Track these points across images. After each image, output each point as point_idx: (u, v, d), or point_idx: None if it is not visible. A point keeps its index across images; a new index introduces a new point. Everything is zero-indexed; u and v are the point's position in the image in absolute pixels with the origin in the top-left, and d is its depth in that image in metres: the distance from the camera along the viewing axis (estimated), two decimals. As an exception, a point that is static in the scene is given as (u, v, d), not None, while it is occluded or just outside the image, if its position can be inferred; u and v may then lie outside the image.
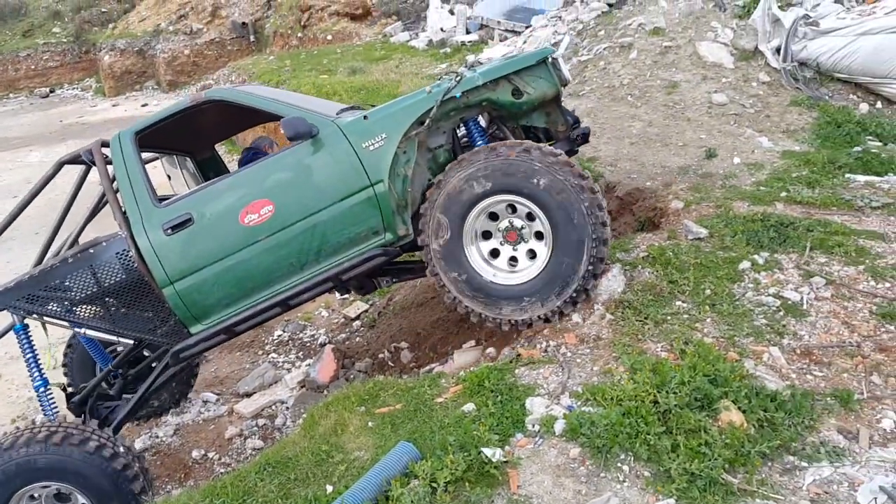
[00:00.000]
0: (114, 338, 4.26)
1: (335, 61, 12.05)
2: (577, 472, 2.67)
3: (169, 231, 3.86)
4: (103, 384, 4.70)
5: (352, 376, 5.78)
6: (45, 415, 4.22)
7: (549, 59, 3.89)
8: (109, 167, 4.16)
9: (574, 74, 7.17)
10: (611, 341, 3.35)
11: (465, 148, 4.23)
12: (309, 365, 6.11)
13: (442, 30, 12.49)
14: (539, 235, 3.69)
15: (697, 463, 2.54)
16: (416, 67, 10.40)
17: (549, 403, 3.05)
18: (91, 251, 3.99)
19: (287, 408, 5.55)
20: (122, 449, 3.83)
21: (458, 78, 3.79)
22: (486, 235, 3.82)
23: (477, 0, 12.46)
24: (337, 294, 7.43)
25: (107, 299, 4.06)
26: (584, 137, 4.37)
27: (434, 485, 2.63)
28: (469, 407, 3.12)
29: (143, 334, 4.16)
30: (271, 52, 18.91)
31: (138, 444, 5.37)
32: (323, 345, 6.42)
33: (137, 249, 3.86)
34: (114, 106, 22.03)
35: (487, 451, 2.77)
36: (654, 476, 2.59)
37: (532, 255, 3.73)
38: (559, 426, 2.87)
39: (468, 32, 11.98)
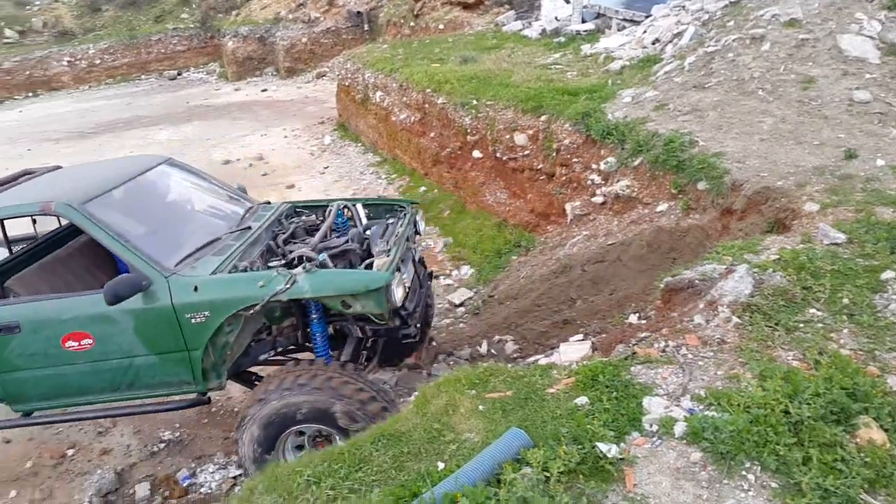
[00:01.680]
0: None
1: (447, 50, 12.12)
2: (697, 476, 2.57)
3: None
4: None
5: (452, 362, 5.84)
6: None
7: (382, 288, 3.86)
8: None
9: (699, 66, 6.88)
10: (737, 346, 3.19)
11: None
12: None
13: (556, 19, 12.29)
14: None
15: (832, 479, 2.38)
16: (529, 57, 10.29)
17: (669, 404, 2.95)
18: None
19: (392, 385, 5.67)
20: None
21: (290, 283, 3.77)
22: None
23: (595, -10, 12.17)
24: (441, 279, 7.54)
25: None
26: (411, 336, 4.41)
27: (547, 473, 2.61)
28: (582, 400, 3.06)
29: None
30: (384, 40, 19.26)
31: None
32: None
33: None
34: (235, 90, 23.16)
35: (602, 447, 2.72)
36: (782, 488, 2.45)
37: None
38: (679, 428, 2.77)
39: (584, 21, 11.73)
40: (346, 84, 13.91)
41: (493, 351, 5.70)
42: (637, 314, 4.47)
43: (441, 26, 17.47)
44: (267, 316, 4.16)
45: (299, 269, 3.93)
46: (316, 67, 22.97)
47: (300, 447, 4.05)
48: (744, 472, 2.53)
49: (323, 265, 4.10)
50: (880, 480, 2.40)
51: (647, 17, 9.86)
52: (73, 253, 4.97)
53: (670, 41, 8.29)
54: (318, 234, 4.49)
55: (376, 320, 4.14)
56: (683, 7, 8.98)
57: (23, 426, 4.81)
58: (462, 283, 7.33)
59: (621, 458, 2.69)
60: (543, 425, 2.96)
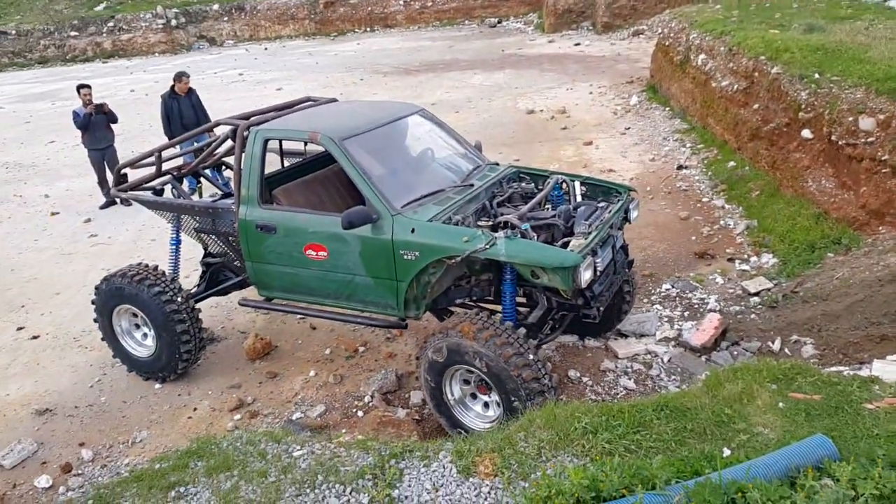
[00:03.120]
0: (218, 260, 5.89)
1: (789, 16, 10.95)
2: None
3: (259, 229, 4.93)
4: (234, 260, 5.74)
5: (736, 353, 5.49)
6: (168, 266, 5.84)
7: (570, 268, 4.03)
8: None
9: None
10: None
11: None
12: (688, 326, 5.97)
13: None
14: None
15: None
16: (893, 32, 8.85)
17: None
18: (219, 209, 5.32)
19: (663, 361, 5.53)
20: (177, 298, 5.36)
21: (489, 244, 4.12)
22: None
23: None
24: (736, 263, 7.06)
25: (217, 237, 5.52)
26: (591, 317, 4.61)
27: (853, 492, 2.39)
28: (909, 426, 2.72)
29: (234, 268, 5.69)
30: (717, 0, 17.96)
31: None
32: (712, 311, 6.19)
33: (237, 228, 5.04)
34: (549, 42, 23.58)
35: (931, 483, 2.40)
36: None
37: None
38: None
39: (977, -7, 9.70)
40: (666, 44, 13.35)
41: (786, 351, 5.25)
42: None
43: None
44: (467, 266, 4.55)
45: (501, 233, 4.25)
46: (634, 24, 22.33)
47: (467, 382, 4.49)
48: None
49: (524, 234, 4.37)
50: None
51: None
52: (330, 176, 5.69)
53: None
54: (530, 204, 4.71)
55: (562, 294, 4.40)
56: None
57: (263, 308, 5.75)
58: (761, 271, 6.78)
59: (953, 503, 2.36)
60: (855, 441, 2.73)
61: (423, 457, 3.13)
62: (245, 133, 5.09)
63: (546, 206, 5.02)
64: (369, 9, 31.67)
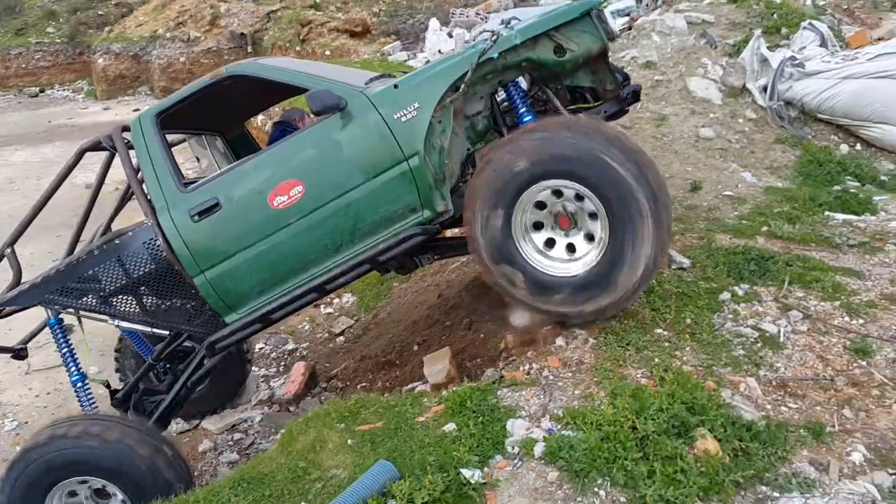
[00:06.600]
0: (148, 329, 4.21)
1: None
2: (554, 495, 2.70)
3: (196, 217, 3.70)
4: (153, 379, 4.72)
5: (324, 397, 5.74)
6: (83, 409, 4.10)
7: (594, 12, 3.62)
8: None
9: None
10: (593, 366, 3.39)
11: (506, 114, 4.03)
12: (280, 382, 6.08)
13: (440, 52, 12.62)
14: (593, 215, 3.42)
15: (672, 490, 2.58)
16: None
17: (530, 426, 3.08)
18: (117, 242, 3.88)
19: (256, 424, 5.49)
20: (162, 444, 3.68)
21: (495, 38, 3.51)
22: (538, 226, 3.54)
23: (474, 25, 12.62)
24: (322, 308, 7.45)
25: (139, 290, 3.97)
26: (636, 95, 4.18)
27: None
28: (450, 427, 3.14)
29: (179, 325, 4.06)
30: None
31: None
32: (304, 359, 6.40)
33: (164, 237, 3.70)
34: (105, 109, 21.95)
35: (466, 472, 2.79)
36: (629, 502, 2.62)
37: (590, 238, 3.48)
38: (539, 449, 2.90)
39: (463, 55, 12.10)
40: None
41: (366, 382, 5.69)
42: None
43: (328, 52, 17.41)
44: (469, 135, 3.88)
45: (498, 26, 3.77)
46: (194, 88, 22.21)
47: (540, 205, 3.49)
48: (596, 489, 2.69)
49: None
50: (713, 487, 2.63)
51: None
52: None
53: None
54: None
55: (598, 86, 3.84)
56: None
57: (246, 336, 4.06)
58: (343, 311, 7.28)
59: (484, 483, 2.77)
60: (412, 455, 3.00)
61: None
62: (124, 135, 4.00)
63: None
64: None
